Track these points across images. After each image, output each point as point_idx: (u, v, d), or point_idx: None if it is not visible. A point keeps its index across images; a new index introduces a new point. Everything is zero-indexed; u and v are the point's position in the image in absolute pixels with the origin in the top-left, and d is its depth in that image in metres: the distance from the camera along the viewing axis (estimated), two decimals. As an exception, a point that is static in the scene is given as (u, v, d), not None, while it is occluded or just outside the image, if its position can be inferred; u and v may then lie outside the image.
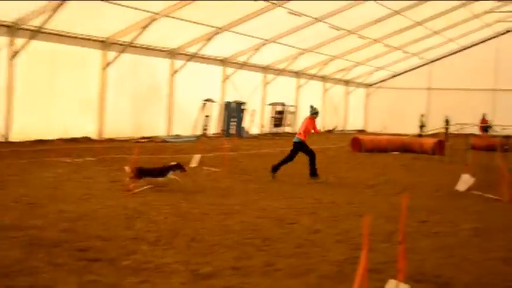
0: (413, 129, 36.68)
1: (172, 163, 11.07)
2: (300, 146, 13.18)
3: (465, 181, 12.26)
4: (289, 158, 13.30)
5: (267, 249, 6.58)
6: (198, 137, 26.47)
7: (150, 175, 10.70)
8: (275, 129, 33.97)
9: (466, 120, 32.31)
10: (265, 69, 33.41)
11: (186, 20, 22.91)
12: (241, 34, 26.54)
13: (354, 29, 31.05)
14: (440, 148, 22.08)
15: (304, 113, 38.24)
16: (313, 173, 13.19)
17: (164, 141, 23.40)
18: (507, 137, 26.21)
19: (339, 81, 42.43)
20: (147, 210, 8.46)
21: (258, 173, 14.07)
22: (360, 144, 23.16)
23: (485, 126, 20.70)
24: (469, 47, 44.27)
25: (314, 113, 13.39)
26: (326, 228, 7.87)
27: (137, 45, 23.60)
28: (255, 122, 32.68)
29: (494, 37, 43.31)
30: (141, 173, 10.54)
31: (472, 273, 5.92)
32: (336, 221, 8.41)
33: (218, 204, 9.25)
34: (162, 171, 10.79)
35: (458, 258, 6.52)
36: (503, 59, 42.72)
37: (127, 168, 10.61)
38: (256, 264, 5.94)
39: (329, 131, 40.72)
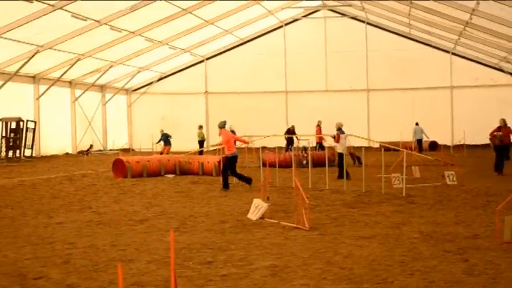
0: (193, 144, 37.37)
1: None
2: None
3: (257, 207, 12.78)
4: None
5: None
6: None
7: None
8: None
9: (259, 129, 34.08)
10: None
11: None
12: None
13: (105, 18, 30.98)
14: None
15: (49, 130, 37.05)
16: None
17: None
18: (305, 149, 27.46)
19: (91, 86, 41.86)
20: None
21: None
22: (124, 167, 23.11)
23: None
24: (251, 40, 46.84)
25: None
26: (83, 282, 7.70)
27: None
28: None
29: (279, 27, 46.48)
30: None
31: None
32: (96, 272, 8.26)
33: None
34: None
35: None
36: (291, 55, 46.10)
37: None
38: None
39: (83, 152, 39.94)
